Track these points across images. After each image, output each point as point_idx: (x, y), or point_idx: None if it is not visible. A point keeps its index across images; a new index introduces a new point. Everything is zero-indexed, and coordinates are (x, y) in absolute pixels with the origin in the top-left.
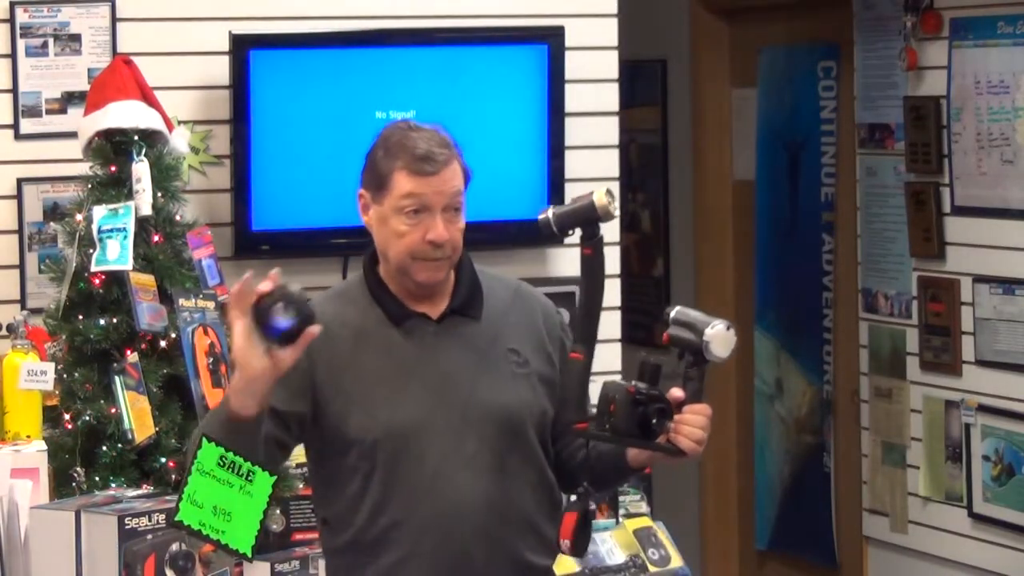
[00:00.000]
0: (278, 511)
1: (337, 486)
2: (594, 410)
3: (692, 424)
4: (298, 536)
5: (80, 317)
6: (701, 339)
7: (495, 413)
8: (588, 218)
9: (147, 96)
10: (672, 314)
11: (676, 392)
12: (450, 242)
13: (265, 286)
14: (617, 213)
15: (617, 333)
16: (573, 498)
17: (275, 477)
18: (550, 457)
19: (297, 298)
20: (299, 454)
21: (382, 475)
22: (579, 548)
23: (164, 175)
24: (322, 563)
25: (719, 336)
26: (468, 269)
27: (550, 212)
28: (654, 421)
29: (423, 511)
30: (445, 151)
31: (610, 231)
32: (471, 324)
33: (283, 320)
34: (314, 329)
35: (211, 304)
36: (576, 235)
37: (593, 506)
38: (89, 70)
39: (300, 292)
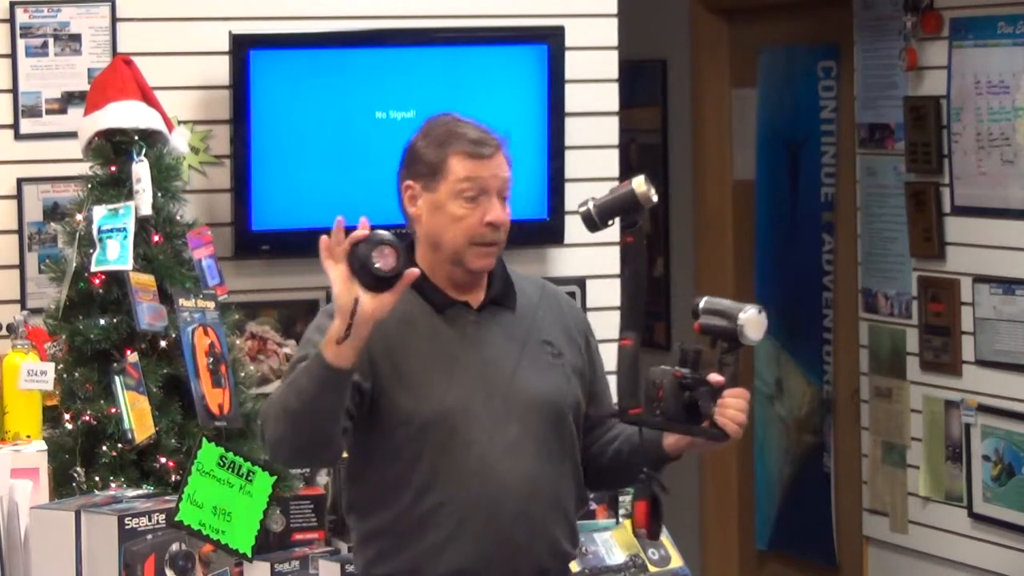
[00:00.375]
0: (278, 511)
1: (377, 467)
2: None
3: (734, 407)
4: (298, 536)
5: (80, 317)
6: (735, 324)
7: (536, 401)
8: (629, 207)
9: (147, 96)
10: (701, 304)
11: (715, 377)
12: (504, 226)
13: (360, 232)
14: (656, 199)
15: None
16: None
17: (275, 477)
18: (579, 450)
19: (392, 242)
20: None
21: (430, 457)
22: (654, 533)
23: (164, 175)
24: (323, 563)
25: (752, 320)
26: (500, 263)
27: (590, 204)
28: (700, 404)
29: (469, 493)
30: (496, 138)
31: (610, 231)
32: (508, 315)
33: (384, 263)
34: (414, 271)
35: (211, 304)
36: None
37: (659, 490)
38: (89, 70)
39: (393, 237)
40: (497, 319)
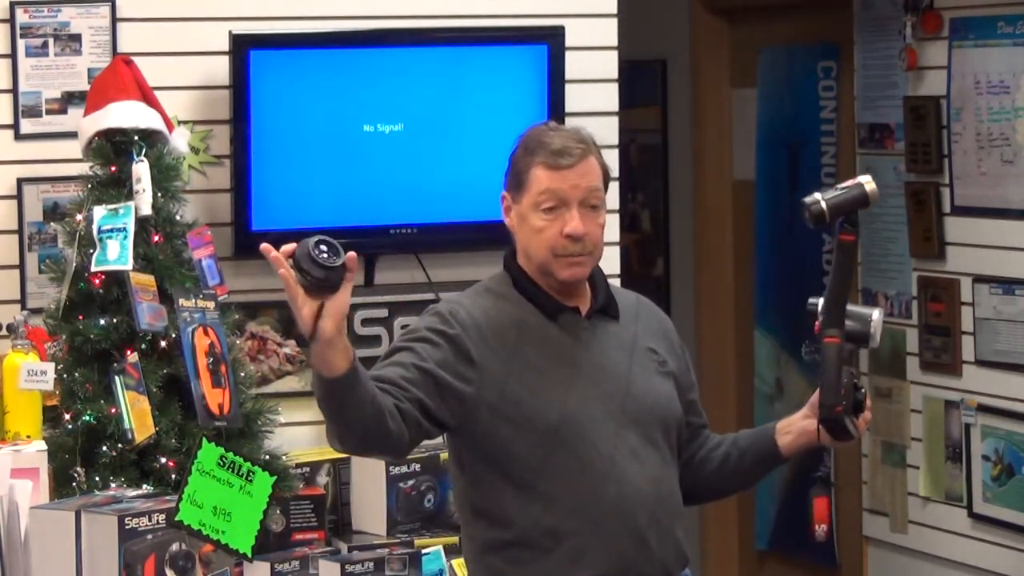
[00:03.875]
0: (278, 511)
1: (501, 473)
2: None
3: (868, 408)
4: (298, 536)
5: (80, 317)
6: (868, 327)
7: (650, 407)
8: (859, 205)
9: (147, 96)
10: (820, 306)
11: None
12: (589, 237)
13: (289, 246)
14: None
15: None
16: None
17: (275, 477)
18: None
19: (324, 238)
20: (299, 454)
21: (559, 461)
22: (832, 531)
23: (164, 175)
24: (323, 563)
25: (879, 323)
26: (600, 273)
27: (822, 200)
28: (863, 404)
29: (604, 497)
30: (581, 146)
31: (610, 231)
32: (613, 323)
33: (317, 264)
34: (352, 254)
35: (211, 304)
36: None
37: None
38: (89, 70)
39: (322, 237)
40: (605, 327)
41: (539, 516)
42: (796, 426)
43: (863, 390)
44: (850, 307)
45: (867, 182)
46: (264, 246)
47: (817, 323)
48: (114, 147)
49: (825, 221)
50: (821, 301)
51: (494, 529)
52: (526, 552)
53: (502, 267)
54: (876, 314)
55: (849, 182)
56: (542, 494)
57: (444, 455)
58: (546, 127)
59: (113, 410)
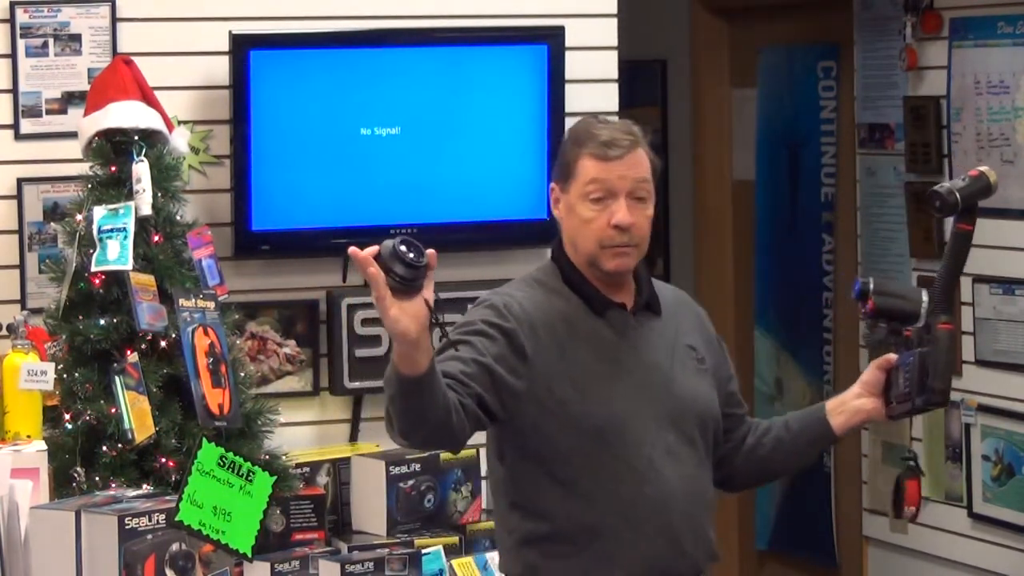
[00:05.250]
0: (278, 511)
1: (541, 468)
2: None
3: None
4: (298, 536)
5: (80, 317)
6: (919, 306)
7: (690, 406)
8: (982, 196)
9: (147, 96)
10: (872, 286)
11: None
12: (635, 228)
13: (372, 248)
14: None
15: None
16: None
17: (275, 477)
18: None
19: (406, 238)
20: (299, 454)
21: (600, 459)
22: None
23: (164, 175)
24: (323, 563)
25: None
26: (643, 267)
27: (956, 190)
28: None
29: (643, 497)
30: (630, 138)
31: None
32: (656, 320)
33: (404, 263)
34: (432, 252)
35: (211, 304)
36: None
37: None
38: (89, 70)
39: (404, 236)
40: (650, 323)
41: (577, 512)
42: (849, 405)
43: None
44: (897, 286)
45: (990, 172)
46: (351, 249)
47: (870, 302)
48: (114, 147)
49: (957, 210)
50: (872, 280)
51: (531, 522)
52: (562, 547)
53: (549, 258)
54: (926, 294)
55: (973, 172)
56: (581, 491)
57: (444, 455)
58: (595, 119)
59: (113, 410)
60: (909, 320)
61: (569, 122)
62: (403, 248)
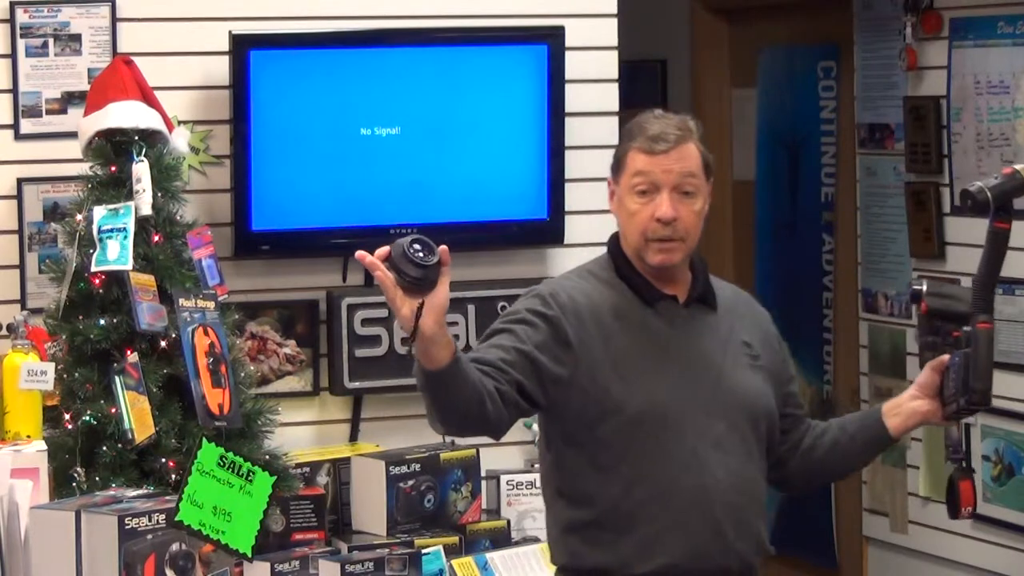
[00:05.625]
0: (278, 511)
1: (585, 456)
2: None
3: None
4: (298, 536)
5: (80, 317)
6: (971, 308)
7: (740, 400)
8: (1016, 195)
9: (147, 96)
10: (925, 287)
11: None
12: (680, 222)
13: (382, 249)
14: None
15: None
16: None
17: (275, 477)
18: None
19: (418, 236)
20: (299, 454)
21: (642, 447)
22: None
23: (164, 175)
24: (323, 563)
25: None
26: (700, 262)
27: (986, 188)
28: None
29: (683, 485)
30: (678, 132)
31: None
32: (710, 313)
33: (413, 263)
34: (444, 247)
35: (211, 304)
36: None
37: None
38: (89, 70)
39: (416, 236)
40: (702, 316)
41: (618, 499)
42: (905, 407)
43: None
44: (952, 288)
45: (1023, 170)
46: (359, 253)
47: (924, 304)
48: (114, 147)
49: (989, 209)
50: (925, 283)
51: (574, 509)
52: (604, 534)
53: (606, 250)
54: None
55: (1007, 170)
56: (623, 478)
57: (444, 455)
58: (651, 114)
59: (113, 410)
60: (962, 320)
61: (569, 122)
62: (414, 247)
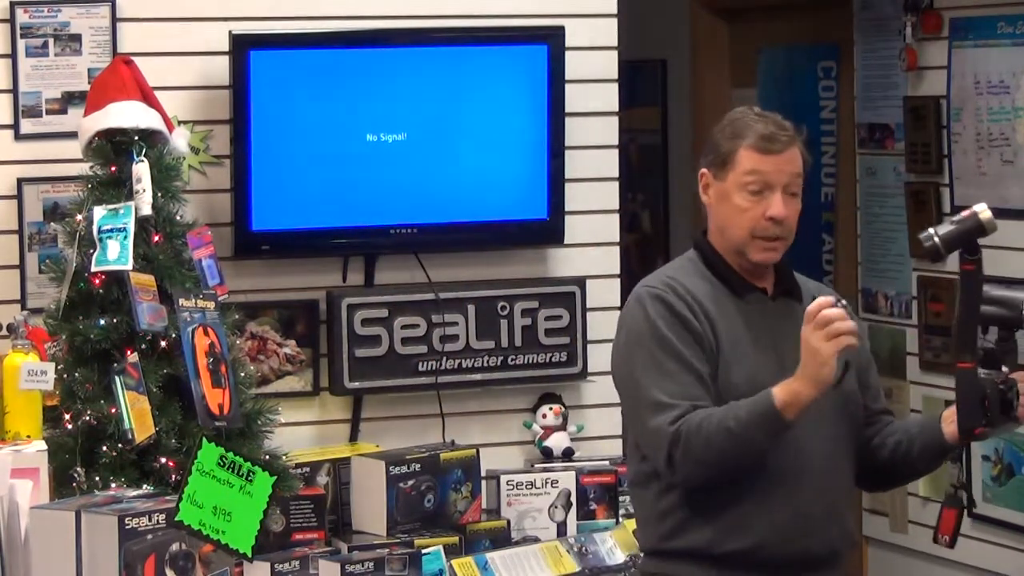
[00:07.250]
0: (278, 511)
1: None
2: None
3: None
4: (298, 536)
5: (80, 317)
6: (1020, 312)
7: (832, 393)
8: (974, 236)
9: (147, 96)
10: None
11: (1020, 374)
12: (788, 221)
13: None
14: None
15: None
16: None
17: (275, 477)
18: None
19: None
20: (298, 453)
21: None
22: (954, 543)
23: (164, 175)
24: (323, 563)
25: None
26: (784, 257)
27: (935, 236)
28: (1013, 401)
29: (771, 472)
30: (788, 133)
31: (610, 230)
32: (797, 305)
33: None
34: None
35: (211, 304)
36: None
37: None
38: (89, 70)
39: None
40: (790, 308)
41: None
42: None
43: (1014, 387)
44: (997, 292)
45: (982, 211)
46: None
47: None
48: (114, 147)
49: (942, 256)
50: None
51: (666, 493)
52: (693, 518)
53: (692, 247)
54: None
55: (964, 213)
56: None
57: (444, 455)
58: (752, 111)
59: (113, 410)
60: (1009, 326)
61: (569, 122)
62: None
